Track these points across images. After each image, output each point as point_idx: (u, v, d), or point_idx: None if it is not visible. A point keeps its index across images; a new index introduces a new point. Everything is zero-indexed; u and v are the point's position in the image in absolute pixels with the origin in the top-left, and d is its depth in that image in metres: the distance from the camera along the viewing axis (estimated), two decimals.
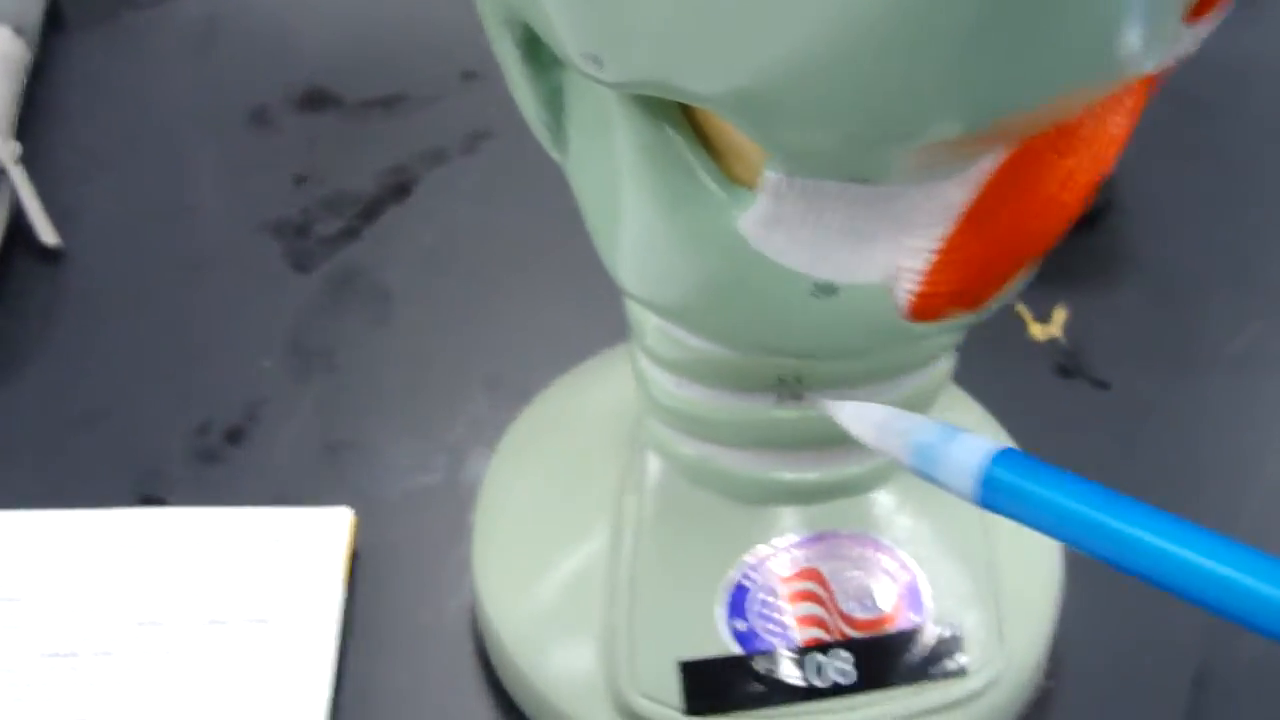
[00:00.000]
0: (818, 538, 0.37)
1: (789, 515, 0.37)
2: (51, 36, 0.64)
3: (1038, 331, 0.52)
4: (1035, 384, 0.51)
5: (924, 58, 0.21)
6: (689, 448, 0.37)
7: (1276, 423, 0.50)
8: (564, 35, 0.26)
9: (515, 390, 0.48)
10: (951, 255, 0.29)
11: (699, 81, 0.24)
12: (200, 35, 0.65)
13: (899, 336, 0.30)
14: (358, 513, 0.46)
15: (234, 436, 0.49)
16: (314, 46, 0.64)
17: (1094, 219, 0.57)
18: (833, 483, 0.37)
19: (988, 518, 0.39)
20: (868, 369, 0.33)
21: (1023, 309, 0.53)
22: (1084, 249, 0.56)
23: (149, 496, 0.47)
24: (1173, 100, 0.61)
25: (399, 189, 0.57)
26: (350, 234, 0.55)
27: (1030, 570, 0.41)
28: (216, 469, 0.48)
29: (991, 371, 0.49)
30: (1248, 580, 0.21)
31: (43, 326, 0.52)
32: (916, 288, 0.29)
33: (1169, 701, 0.43)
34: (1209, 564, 0.21)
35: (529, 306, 0.53)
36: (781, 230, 0.28)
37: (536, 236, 0.54)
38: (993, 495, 0.25)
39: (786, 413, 0.34)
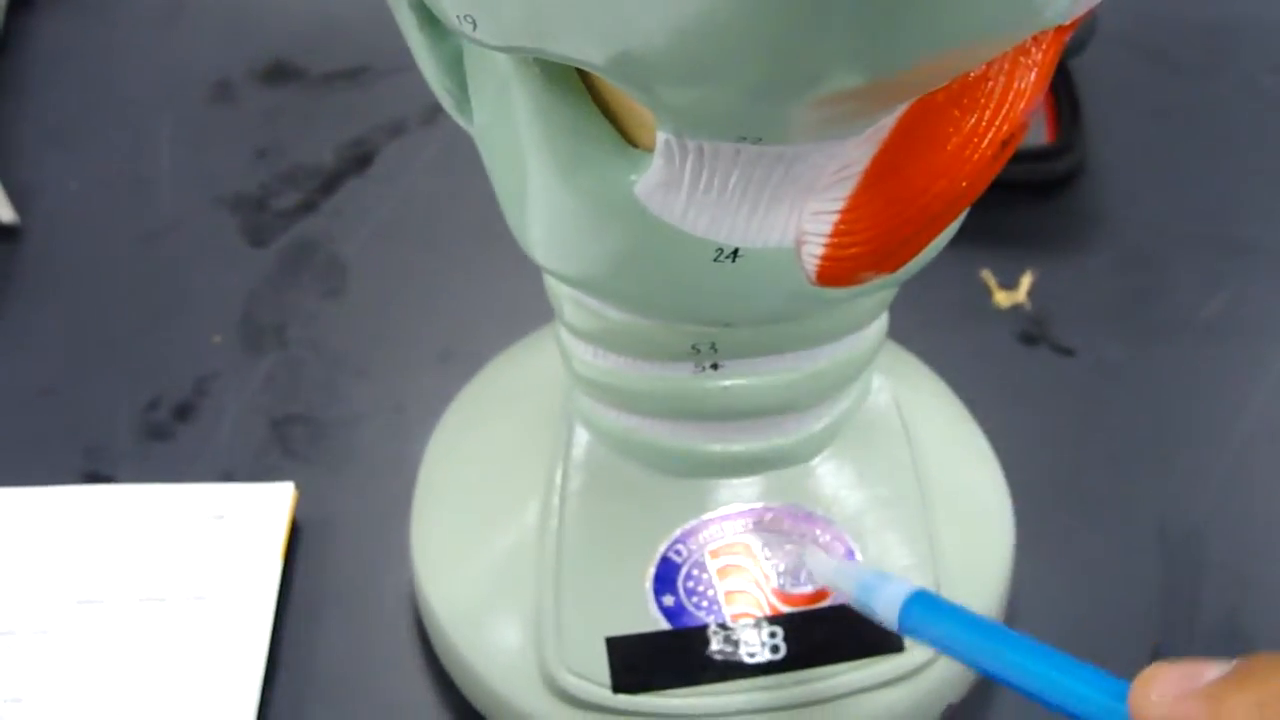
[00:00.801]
0: (748, 511, 0.36)
1: (718, 488, 0.37)
2: (19, 9, 0.64)
3: (1002, 299, 0.51)
4: (998, 351, 0.50)
5: (816, 6, 0.21)
6: (613, 420, 0.36)
7: (1246, 391, 0.49)
8: None
9: (467, 364, 0.48)
10: (855, 217, 0.28)
11: (572, 45, 0.23)
12: (166, 8, 0.64)
13: (811, 302, 0.30)
14: (305, 488, 0.45)
15: (183, 412, 0.48)
16: (278, 19, 0.63)
17: (1064, 182, 0.56)
18: (761, 455, 0.36)
19: (929, 489, 0.38)
20: (785, 337, 0.33)
21: (988, 276, 0.52)
22: (1054, 213, 0.55)
23: (96, 474, 0.47)
24: (1148, 60, 0.60)
25: (359, 161, 0.57)
26: (308, 207, 0.55)
27: (978, 542, 0.40)
28: (165, 445, 0.47)
29: (953, 339, 0.49)
30: (1096, 698, 0.27)
31: None
32: (822, 251, 0.28)
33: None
34: (1057, 681, 0.27)
35: (484, 279, 0.52)
36: (677, 193, 0.27)
37: (493, 208, 0.53)
38: (909, 625, 0.31)
39: (705, 382, 0.33)
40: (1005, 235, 0.53)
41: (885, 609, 0.32)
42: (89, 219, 0.55)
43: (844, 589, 0.33)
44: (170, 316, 0.51)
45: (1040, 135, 0.56)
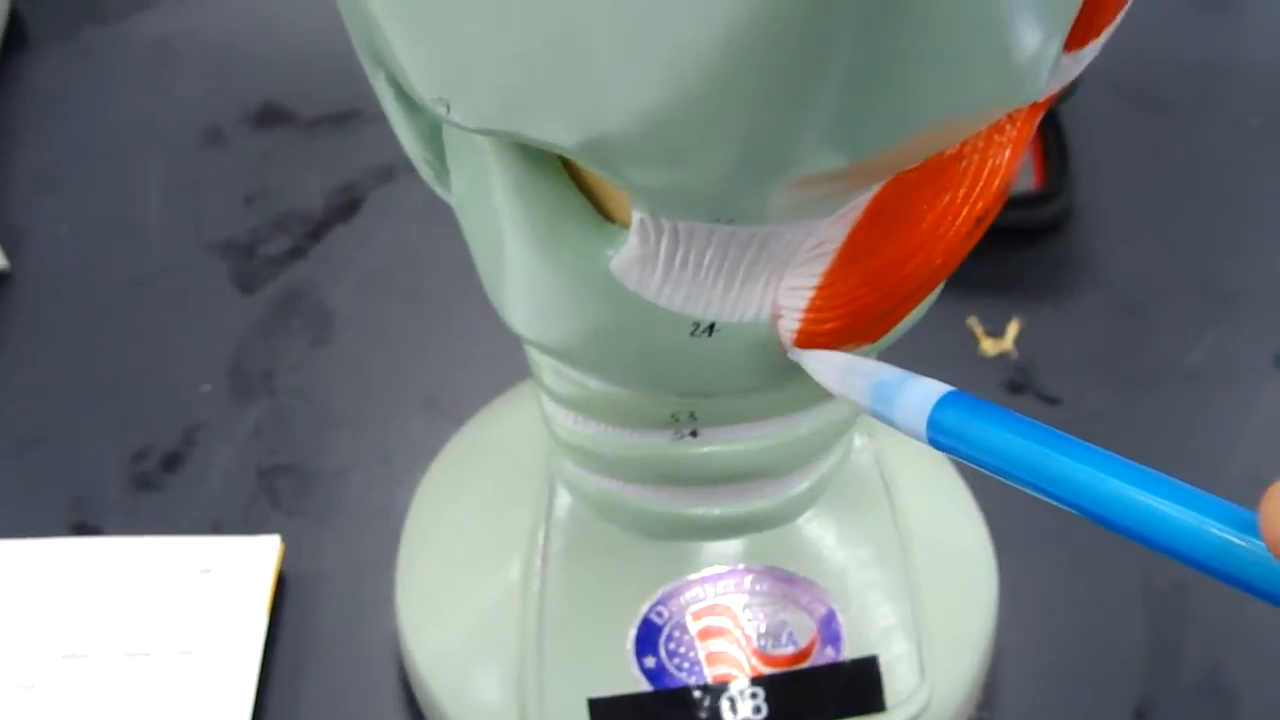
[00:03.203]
0: (729, 572, 0.37)
1: (700, 550, 0.37)
2: (12, 52, 0.64)
3: (989, 347, 0.51)
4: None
5: (789, 100, 0.21)
6: (595, 483, 0.36)
7: (1231, 438, 0.49)
8: (413, 79, 0.25)
9: (454, 413, 0.48)
10: (831, 293, 0.28)
11: (543, 129, 0.23)
12: (159, 51, 0.64)
13: (786, 374, 0.30)
14: (291, 540, 0.45)
15: (171, 463, 0.48)
16: (271, 63, 0.63)
17: (1052, 228, 0.56)
18: (743, 518, 0.36)
19: (911, 548, 0.38)
20: (764, 405, 0.33)
21: (974, 323, 0.52)
22: (1041, 260, 0.55)
23: (83, 524, 0.47)
24: (1137, 103, 0.60)
25: (347, 207, 0.57)
26: (296, 254, 0.55)
27: (961, 599, 0.40)
28: (153, 496, 0.48)
29: None
30: (1179, 513, 0.21)
31: None
32: (798, 326, 0.28)
33: None
34: (1144, 498, 0.22)
35: (470, 327, 0.52)
36: (653, 270, 0.27)
37: None
38: (940, 436, 0.25)
39: (684, 449, 0.33)
40: (992, 282, 0.53)
41: (908, 416, 0.26)
42: (79, 265, 0.55)
43: (854, 396, 0.27)
44: (160, 364, 0.52)
45: (1028, 181, 0.56)
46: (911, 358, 0.45)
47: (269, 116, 0.61)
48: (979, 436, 0.24)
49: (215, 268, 0.55)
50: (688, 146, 0.22)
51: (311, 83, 0.62)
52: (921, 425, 0.25)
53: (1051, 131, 0.57)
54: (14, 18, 0.66)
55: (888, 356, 0.36)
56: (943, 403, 0.25)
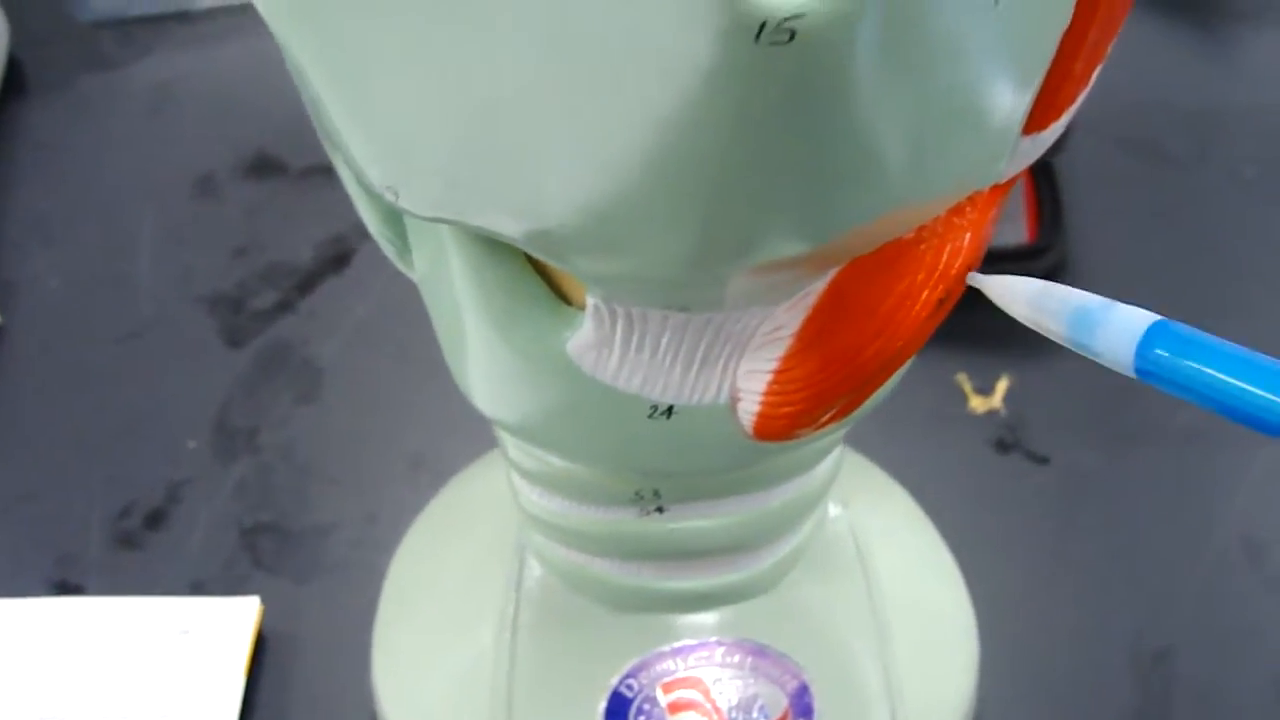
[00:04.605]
0: (700, 645, 0.36)
1: (670, 623, 0.36)
2: (10, 99, 0.64)
3: (978, 404, 0.51)
4: (970, 459, 0.50)
5: (736, 193, 0.21)
6: (563, 555, 0.36)
7: (1222, 499, 0.49)
8: (361, 165, 0.25)
9: (440, 473, 0.48)
10: (789, 377, 0.28)
11: (491, 221, 0.23)
12: (156, 99, 0.65)
13: (749, 455, 0.29)
14: (273, 600, 0.45)
15: (154, 520, 0.48)
16: (265, 112, 0.63)
17: (1045, 279, 0.55)
18: (713, 591, 0.36)
19: (886, 619, 0.38)
20: (730, 482, 0.32)
21: (963, 380, 0.52)
22: None
23: (65, 583, 0.47)
24: (1133, 152, 0.60)
25: (337, 260, 0.57)
26: (285, 307, 0.55)
27: (939, 672, 0.39)
28: (135, 554, 0.47)
29: (923, 446, 0.48)
30: None
31: None
32: (757, 409, 0.28)
33: None
34: None
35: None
36: (609, 354, 0.27)
37: None
38: (1150, 366, 0.23)
39: (651, 525, 0.33)
40: (981, 338, 0.53)
41: (1113, 345, 0.24)
42: (69, 318, 0.55)
43: (1047, 322, 0.25)
44: (146, 419, 0.51)
45: (1020, 234, 0.56)
46: (899, 414, 0.45)
47: (262, 166, 0.61)
48: (1191, 370, 0.22)
49: (203, 321, 0.55)
50: (631, 238, 0.22)
51: (305, 132, 0.62)
52: (1128, 354, 0.23)
53: (1044, 182, 0.57)
54: (13, 65, 0.66)
55: (871, 419, 0.36)
56: (1152, 332, 0.23)
